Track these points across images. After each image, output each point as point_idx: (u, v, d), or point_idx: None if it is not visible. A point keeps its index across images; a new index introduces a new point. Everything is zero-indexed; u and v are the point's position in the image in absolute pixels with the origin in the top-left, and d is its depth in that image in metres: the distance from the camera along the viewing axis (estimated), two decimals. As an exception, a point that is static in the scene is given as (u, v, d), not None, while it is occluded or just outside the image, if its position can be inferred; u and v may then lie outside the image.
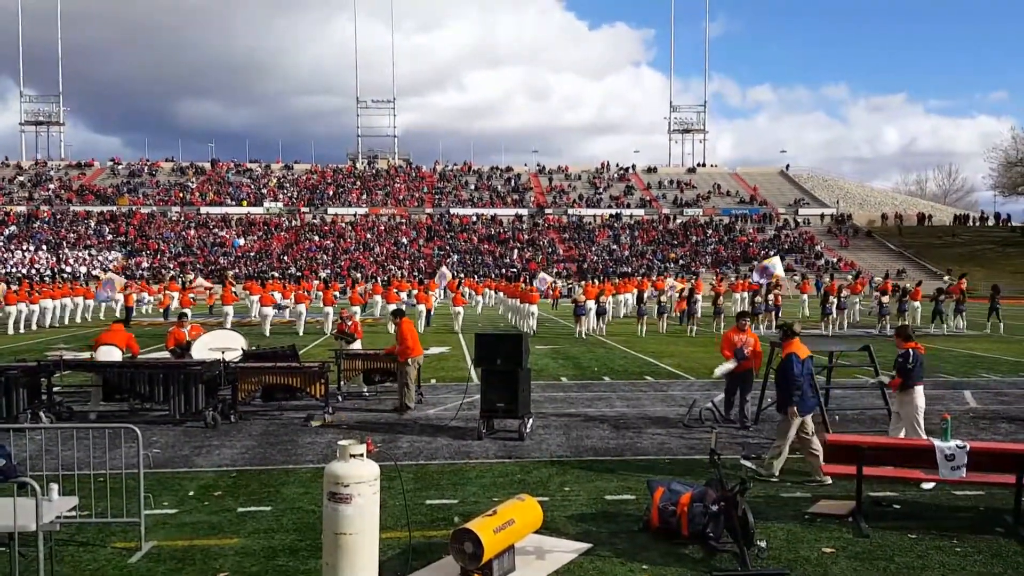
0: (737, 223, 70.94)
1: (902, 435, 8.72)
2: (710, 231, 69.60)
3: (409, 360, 12.08)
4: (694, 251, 65.17)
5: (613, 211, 72.64)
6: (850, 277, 45.10)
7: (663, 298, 28.79)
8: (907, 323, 25.13)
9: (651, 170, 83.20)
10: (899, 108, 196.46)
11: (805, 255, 63.99)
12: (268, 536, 6.68)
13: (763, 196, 76.92)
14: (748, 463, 6.61)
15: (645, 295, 28.84)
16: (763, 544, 6.33)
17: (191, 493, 7.88)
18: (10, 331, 25.91)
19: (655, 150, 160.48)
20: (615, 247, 66.16)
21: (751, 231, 69.51)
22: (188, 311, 24.89)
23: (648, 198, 76.35)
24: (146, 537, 6.42)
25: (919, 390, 8.75)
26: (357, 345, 14.47)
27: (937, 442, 7.16)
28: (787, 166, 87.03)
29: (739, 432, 10.68)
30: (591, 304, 26.47)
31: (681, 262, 62.69)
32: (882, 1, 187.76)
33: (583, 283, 36.83)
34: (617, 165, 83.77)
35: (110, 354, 12.36)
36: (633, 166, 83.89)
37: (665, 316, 27.89)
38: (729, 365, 10.97)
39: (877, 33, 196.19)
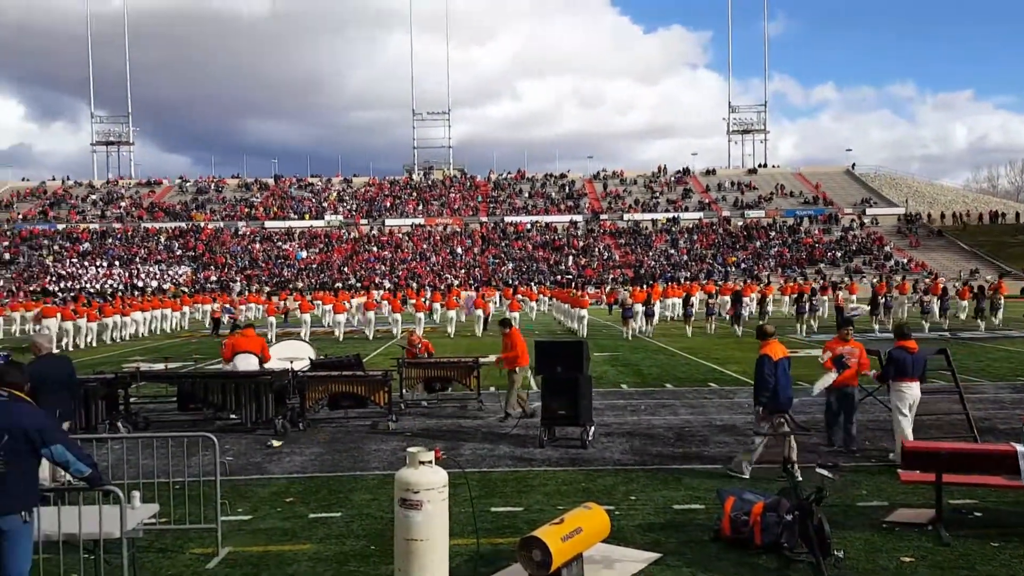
0: (802, 224, 69.41)
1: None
2: (773, 233, 68.26)
3: (517, 368, 12.11)
4: (756, 254, 63.99)
5: (671, 215, 71.87)
6: (927, 279, 43.67)
7: (711, 301, 29.39)
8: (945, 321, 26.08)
9: (710, 172, 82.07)
10: (967, 105, 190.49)
11: (874, 256, 62.26)
12: (339, 542, 6.78)
13: (828, 196, 75.13)
14: (824, 471, 6.45)
15: (694, 299, 29.58)
16: (840, 554, 6.17)
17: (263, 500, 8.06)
18: (82, 344, 26.83)
19: (713, 153, 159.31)
20: (673, 252, 65.42)
21: (816, 232, 67.94)
22: (274, 319, 28.78)
23: (707, 201, 75.32)
24: (222, 543, 6.58)
25: (901, 385, 9.19)
26: None
27: (1020, 447, 6.88)
28: (853, 165, 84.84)
29: (811, 440, 10.42)
30: (638, 307, 27.54)
31: (743, 265, 61.63)
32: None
33: (631, 287, 38.25)
34: (675, 168, 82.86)
35: (248, 361, 12.21)
36: (688, 169, 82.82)
37: (714, 318, 28.29)
38: (828, 379, 9.92)
39: (943, 30, 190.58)
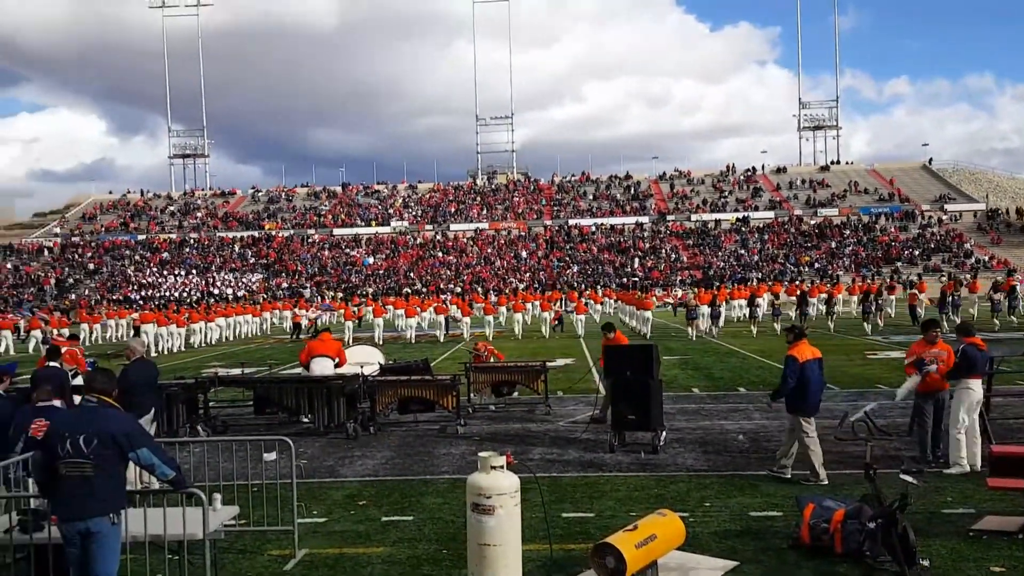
0: (877, 222, 67.23)
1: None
2: (847, 231, 66.29)
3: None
4: (831, 253, 62.26)
5: (740, 214, 70.51)
6: (1001, 275, 41.80)
7: (777, 302, 30.06)
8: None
9: (780, 170, 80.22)
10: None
11: (954, 254, 59.91)
12: (412, 545, 6.84)
13: (904, 193, 72.61)
14: (908, 477, 6.21)
15: (760, 300, 29.89)
16: (926, 563, 5.93)
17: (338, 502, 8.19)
18: (173, 348, 28.47)
19: (783, 150, 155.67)
20: (743, 252, 64.17)
21: (893, 230, 65.71)
22: (350, 323, 30.28)
23: (778, 199, 73.66)
24: (299, 545, 6.71)
25: (971, 383, 8.85)
26: None
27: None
28: (930, 160, 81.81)
29: (891, 445, 10.06)
30: (704, 308, 27.88)
31: (816, 265, 60.04)
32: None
33: (696, 289, 38.36)
34: (744, 167, 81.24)
35: (323, 365, 12.43)
36: (756, 168, 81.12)
37: (780, 319, 28.17)
38: (911, 384, 9.34)
39: (1021, 18, 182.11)
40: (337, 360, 12.55)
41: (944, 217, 67.59)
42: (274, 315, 39.95)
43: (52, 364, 9.34)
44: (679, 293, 43.34)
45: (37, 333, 30.83)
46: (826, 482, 8.36)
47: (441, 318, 30.21)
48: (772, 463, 8.98)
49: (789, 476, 8.57)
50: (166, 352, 27.55)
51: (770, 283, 44.55)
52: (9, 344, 30.87)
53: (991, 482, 7.31)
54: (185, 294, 59.49)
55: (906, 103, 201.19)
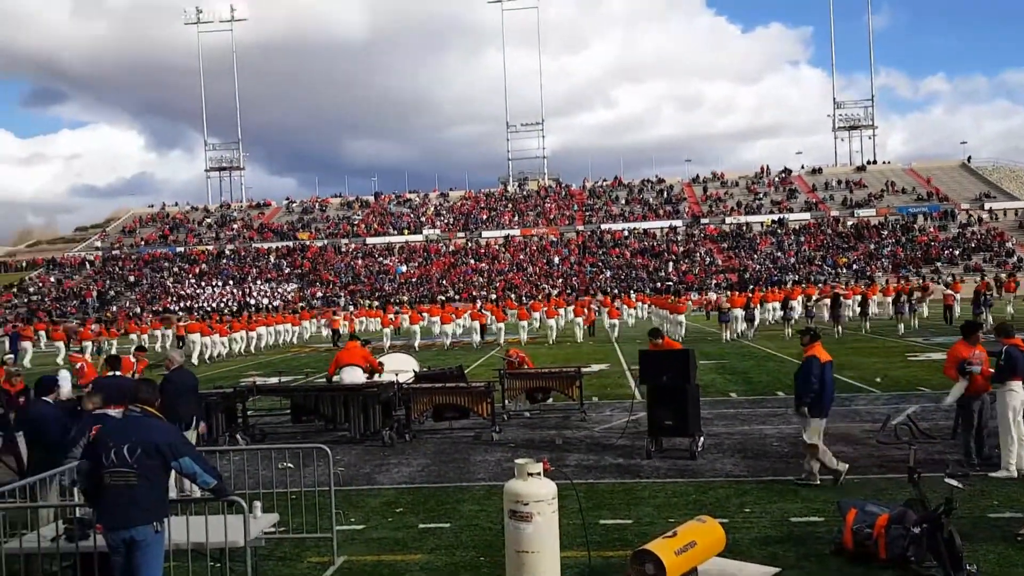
0: (916, 222, 66.03)
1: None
2: (885, 232, 65.19)
3: None
4: (868, 254, 61.28)
5: (775, 216, 69.69)
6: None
7: (809, 304, 29.99)
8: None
9: (815, 171, 79.18)
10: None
11: (995, 253, 58.61)
12: (450, 552, 6.85)
13: (943, 192, 71.23)
14: (953, 481, 6.07)
15: (794, 302, 30.13)
16: (973, 568, 5.79)
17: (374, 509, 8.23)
18: (216, 356, 29.45)
19: (818, 151, 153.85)
20: (779, 254, 63.41)
21: (932, 230, 64.49)
22: (388, 330, 31.18)
23: (814, 200, 72.71)
24: (338, 552, 6.75)
25: (1015, 385, 8.65)
26: None
27: None
28: (968, 158, 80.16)
29: (935, 448, 9.86)
30: (737, 311, 28.11)
31: (855, 267, 59.11)
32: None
33: (729, 292, 39.18)
34: (778, 168, 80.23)
35: (353, 374, 12.59)
36: (791, 169, 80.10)
37: (812, 320, 27.93)
38: (960, 387, 9.10)
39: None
40: (369, 367, 12.66)
41: (984, 216, 66.16)
42: (312, 324, 40.84)
43: (115, 373, 9.53)
44: (713, 297, 42.94)
45: (59, 344, 32.70)
46: (817, 482, 8.39)
47: (476, 324, 30.65)
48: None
49: (818, 482, 8.44)
50: (209, 360, 28.45)
51: (804, 285, 44.34)
52: (63, 356, 31.98)
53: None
54: (222, 305, 60.38)
55: (943, 101, 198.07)
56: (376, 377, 12.68)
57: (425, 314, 35.38)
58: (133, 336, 35.60)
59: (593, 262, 65.44)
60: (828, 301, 29.80)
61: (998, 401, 8.82)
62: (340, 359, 12.87)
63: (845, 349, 22.42)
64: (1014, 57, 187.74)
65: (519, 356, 14.97)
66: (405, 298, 55.18)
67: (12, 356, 29.59)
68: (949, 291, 30.17)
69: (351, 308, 50.52)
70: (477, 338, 29.91)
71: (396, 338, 32.28)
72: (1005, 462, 8.59)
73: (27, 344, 32.71)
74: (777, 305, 31.99)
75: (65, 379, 8.84)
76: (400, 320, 34.48)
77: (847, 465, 8.58)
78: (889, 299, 32.32)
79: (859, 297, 31.63)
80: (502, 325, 30.99)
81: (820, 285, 44.19)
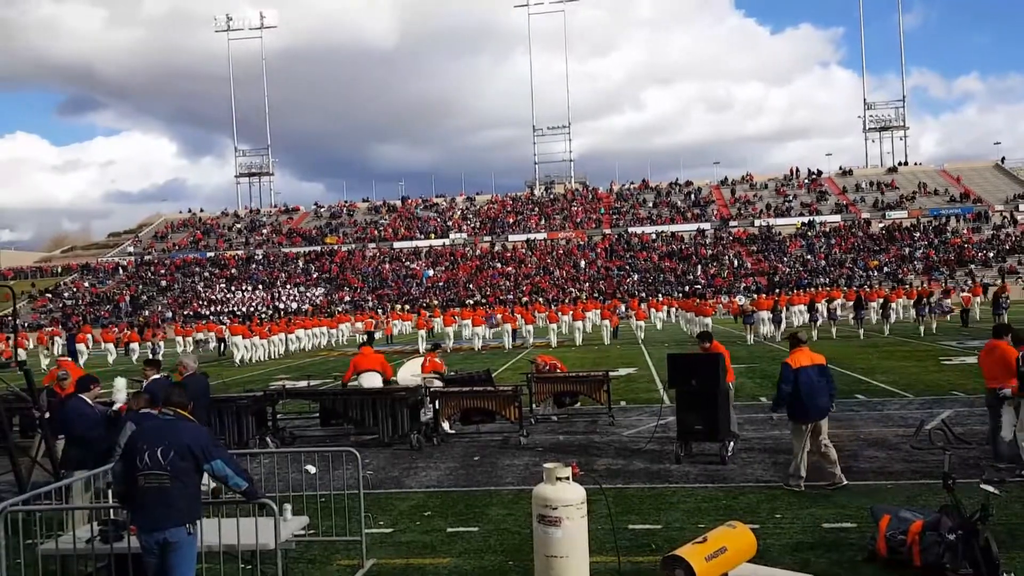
0: (948, 224, 64.99)
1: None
2: (917, 234, 64.24)
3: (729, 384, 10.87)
4: (900, 257, 60.41)
5: (805, 219, 68.92)
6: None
7: (831, 305, 30.82)
8: None
9: (846, 173, 78.26)
10: None
11: (1031, 255, 57.53)
12: (478, 556, 6.85)
13: (976, 193, 70.03)
14: (989, 487, 5.96)
15: (820, 305, 30.89)
16: (1011, 577, 5.67)
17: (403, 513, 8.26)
18: (260, 358, 30.77)
19: (849, 153, 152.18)
20: (809, 257, 62.71)
21: (965, 231, 63.42)
22: (424, 332, 32.31)
23: (844, 203, 71.84)
24: (367, 555, 6.78)
25: None
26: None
27: None
28: (1002, 159, 78.67)
29: (970, 454, 9.67)
30: (762, 314, 29.06)
31: (886, 269, 58.30)
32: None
33: (754, 296, 40.17)
34: (808, 170, 79.40)
35: (372, 379, 12.75)
36: (821, 171, 79.19)
37: (835, 322, 29.12)
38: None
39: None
40: (383, 373, 12.88)
41: (1019, 217, 64.92)
42: (347, 327, 42.12)
43: (163, 376, 9.69)
44: (740, 300, 43.41)
45: (81, 347, 34.00)
46: (800, 489, 8.36)
47: (508, 327, 31.72)
48: (845, 473, 8.71)
49: (844, 482, 8.43)
50: (253, 362, 29.90)
51: (830, 288, 44.79)
52: (112, 353, 34.14)
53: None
54: (252, 309, 61.04)
55: (977, 100, 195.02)
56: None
57: (456, 317, 36.11)
58: (179, 339, 38.15)
59: (620, 265, 65.20)
60: (852, 304, 30.58)
61: (1023, 407, 8.62)
62: (358, 364, 12.99)
63: (879, 353, 22.11)
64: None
65: (548, 361, 14.87)
66: (436, 302, 55.85)
67: (69, 358, 30.92)
68: (967, 293, 31.23)
69: (383, 312, 51.16)
70: (508, 341, 31.04)
71: (431, 339, 32.72)
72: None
73: (82, 347, 34.19)
74: (803, 308, 32.27)
75: (120, 389, 8.98)
76: (432, 323, 35.52)
77: (801, 486, 8.43)
78: (911, 302, 32.65)
79: (881, 300, 32.06)
80: (531, 328, 32.29)
81: (846, 289, 44.52)
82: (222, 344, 36.08)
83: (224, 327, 38.58)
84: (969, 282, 41.67)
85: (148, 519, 4.88)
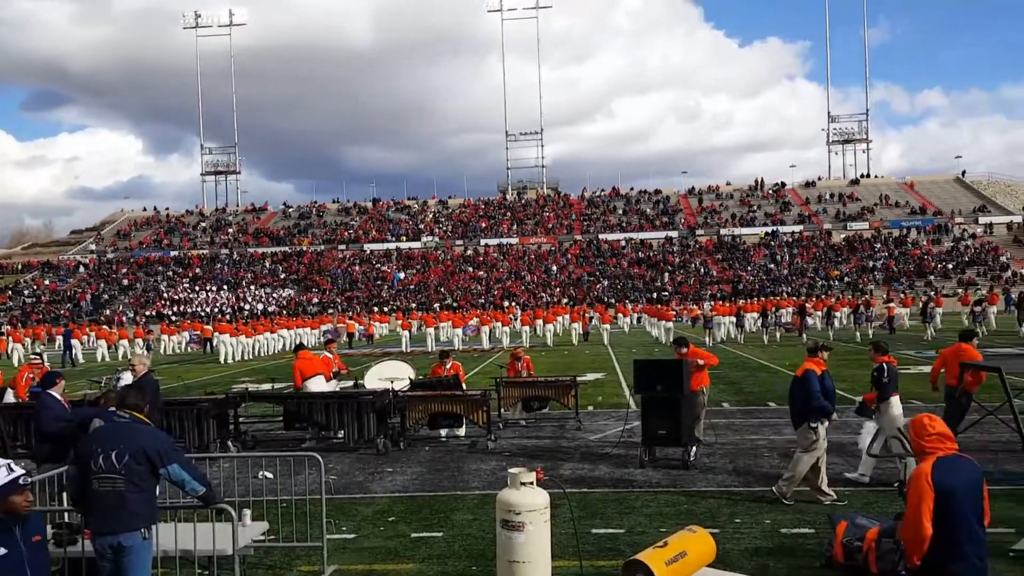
0: (909, 235, 66.27)
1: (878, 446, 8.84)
2: (878, 245, 65.42)
3: (703, 389, 10.99)
4: (860, 267, 61.45)
5: (769, 229, 69.85)
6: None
7: (780, 312, 34.15)
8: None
9: (809, 184, 79.46)
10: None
11: (989, 267, 58.81)
12: (442, 562, 6.82)
13: (937, 206, 71.51)
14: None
15: (770, 313, 33.53)
16: (965, 585, 5.77)
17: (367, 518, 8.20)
18: (244, 356, 31.75)
19: (814, 165, 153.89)
20: (772, 266, 63.56)
21: (925, 243, 64.73)
22: (407, 332, 34.04)
23: (807, 213, 72.92)
24: (328, 561, 6.71)
25: (895, 400, 9.21)
26: None
27: None
28: (963, 172, 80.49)
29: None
30: (719, 319, 32.35)
31: (846, 279, 59.27)
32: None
33: (713, 303, 42.77)
34: (773, 182, 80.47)
35: (319, 383, 12.76)
36: (785, 182, 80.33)
37: (780, 328, 32.45)
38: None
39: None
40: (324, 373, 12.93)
41: (978, 230, 66.42)
42: (331, 328, 42.73)
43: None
44: (695, 308, 46.00)
45: (103, 343, 35.20)
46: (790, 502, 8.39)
47: (485, 329, 33.86)
48: (804, 479, 8.82)
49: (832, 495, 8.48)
50: (237, 360, 30.89)
51: (776, 298, 48.10)
52: (104, 354, 34.47)
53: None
54: (216, 309, 60.28)
55: (940, 115, 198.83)
56: (342, 378, 13.12)
57: (436, 318, 37.57)
58: (164, 337, 38.94)
59: (590, 271, 65.49)
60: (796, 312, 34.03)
61: (885, 416, 9.09)
62: (305, 369, 12.83)
63: (836, 361, 22.45)
64: (1011, 71, 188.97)
65: (524, 357, 14.92)
66: (413, 305, 56.19)
67: (65, 354, 31.44)
68: (892, 304, 35.32)
69: (366, 315, 51.39)
70: (486, 341, 33.19)
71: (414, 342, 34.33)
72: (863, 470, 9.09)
73: (77, 343, 34.66)
74: (756, 315, 35.21)
75: (127, 382, 8.87)
76: (410, 325, 36.63)
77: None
78: (845, 310, 37.05)
79: (826, 309, 35.41)
80: (507, 329, 33.92)
81: (795, 298, 47.54)
82: (208, 343, 36.44)
83: (211, 327, 39.21)
84: (902, 294, 44.92)
85: (102, 523, 4.79)
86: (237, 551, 5.40)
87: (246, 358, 31.61)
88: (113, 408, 6.77)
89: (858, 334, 31.11)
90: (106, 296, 66.12)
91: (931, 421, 4.61)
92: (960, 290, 49.57)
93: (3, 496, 3.77)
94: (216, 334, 34.04)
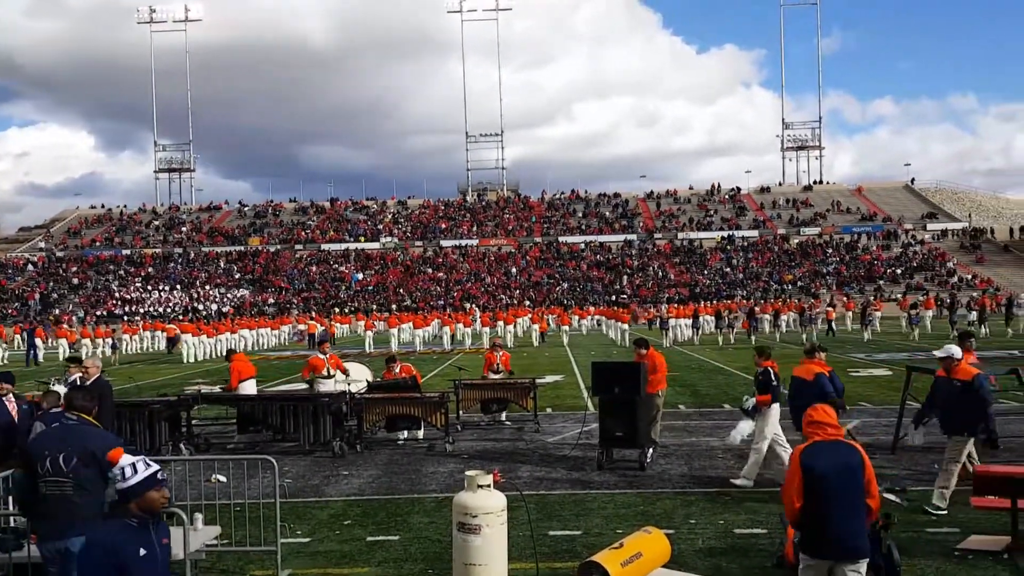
0: (859, 241, 67.81)
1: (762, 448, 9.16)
2: (830, 250, 66.81)
3: (660, 392, 11.12)
4: (813, 272, 62.69)
5: (726, 233, 70.88)
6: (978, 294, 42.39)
7: (730, 316, 35.37)
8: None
9: (764, 190, 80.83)
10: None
11: (936, 272, 60.45)
12: (397, 566, 6.79)
13: (887, 212, 73.29)
14: (891, 496, 6.24)
15: (723, 314, 35.25)
16: (911, 583, 5.94)
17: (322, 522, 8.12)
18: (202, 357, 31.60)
19: (768, 171, 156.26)
20: (728, 270, 64.49)
21: (875, 249, 66.28)
22: (371, 333, 33.54)
23: (762, 218, 74.16)
24: (282, 566, 6.63)
25: (777, 405, 9.36)
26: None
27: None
28: (912, 180, 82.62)
29: (873, 463, 10.07)
30: (673, 321, 33.66)
31: (799, 283, 60.41)
32: (1007, 5, 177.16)
33: (667, 305, 43.92)
34: (729, 187, 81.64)
35: (252, 386, 12.90)
36: (740, 188, 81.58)
37: (728, 330, 33.62)
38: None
39: (1005, 38, 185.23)
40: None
41: (926, 236, 68.22)
42: (289, 329, 42.99)
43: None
44: (651, 311, 47.16)
45: (63, 341, 33.82)
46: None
47: (447, 330, 34.63)
48: (756, 481, 9.00)
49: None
50: (196, 360, 30.81)
51: (730, 301, 49.75)
52: (66, 349, 33.22)
53: (975, 501, 7.36)
54: (169, 309, 59.16)
55: (890, 124, 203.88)
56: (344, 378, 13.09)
57: (399, 319, 37.80)
58: (126, 337, 38.41)
59: (550, 274, 65.72)
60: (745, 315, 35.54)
61: (760, 418, 9.32)
62: (243, 371, 12.78)
63: (787, 364, 22.84)
64: (959, 82, 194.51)
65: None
66: (374, 307, 56.06)
67: (30, 353, 30.80)
68: (831, 308, 37.49)
69: (316, 313, 51.08)
70: (447, 341, 33.84)
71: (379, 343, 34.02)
72: (748, 472, 9.21)
73: (39, 342, 33.89)
74: (711, 318, 36.46)
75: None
76: (374, 325, 36.39)
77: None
78: (793, 314, 39.17)
79: (774, 312, 37.29)
80: (468, 331, 34.73)
81: (746, 301, 49.52)
82: (172, 344, 36.26)
83: (175, 326, 38.96)
84: (845, 298, 46.63)
85: (49, 528, 4.68)
86: (188, 556, 5.30)
87: (208, 358, 31.44)
88: (59, 409, 6.61)
89: (804, 336, 32.41)
90: (55, 295, 64.45)
91: (814, 412, 5.20)
92: (899, 295, 51.02)
93: (141, 492, 3.60)
94: (180, 333, 34.41)
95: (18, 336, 40.34)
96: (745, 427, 9.70)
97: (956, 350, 8.30)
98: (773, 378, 9.37)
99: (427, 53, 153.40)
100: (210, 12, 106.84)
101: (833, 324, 35.54)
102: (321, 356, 13.50)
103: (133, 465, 3.65)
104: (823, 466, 4.88)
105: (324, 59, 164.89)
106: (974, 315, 33.82)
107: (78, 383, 8.77)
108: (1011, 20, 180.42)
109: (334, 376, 13.12)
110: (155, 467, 3.69)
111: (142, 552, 3.51)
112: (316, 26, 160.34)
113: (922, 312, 34.98)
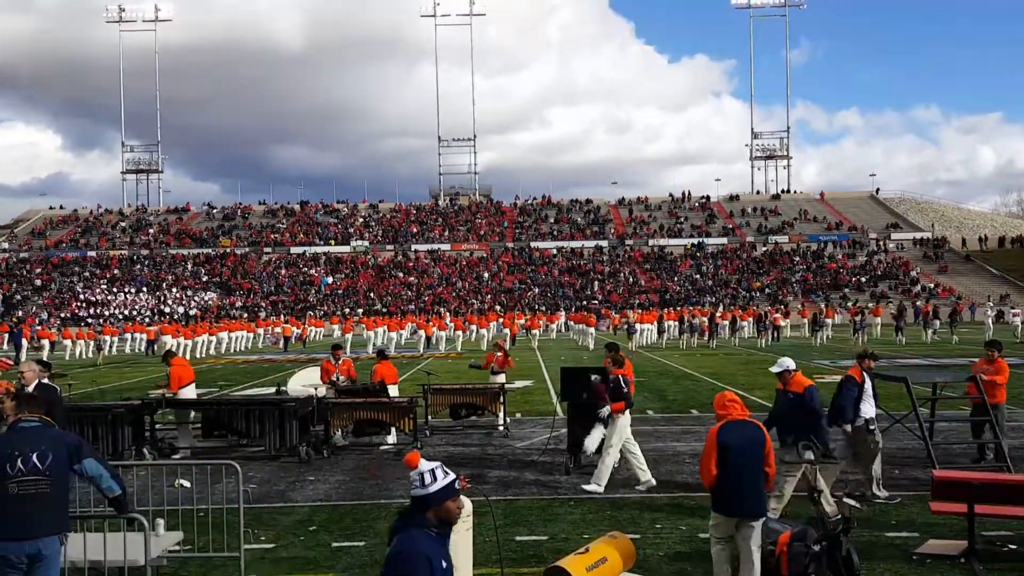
0: (826, 249, 68.83)
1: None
2: (797, 258, 67.73)
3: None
4: (781, 279, 63.48)
5: (695, 240, 71.56)
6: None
7: (695, 321, 36.60)
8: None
9: (733, 198, 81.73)
10: (995, 128, 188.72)
11: (900, 281, 61.51)
12: (363, 571, 6.76)
13: (852, 221, 74.48)
14: (851, 501, 6.35)
15: (687, 319, 36.76)
16: (870, 586, 6.04)
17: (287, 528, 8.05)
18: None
19: (737, 180, 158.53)
20: (698, 277, 65.08)
21: (841, 257, 67.31)
22: (350, 336, 34.29)
23: (731, 226, 74.97)
24: (246, 572, 6.57)
25: (627, 413, 9.53)
26: (501, 378, 14.47)
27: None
28: (877, 190, 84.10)
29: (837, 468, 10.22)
30: (640, 326, 35.15)
31: (767, 291, 61.13)
32: (970, 20, 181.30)
33: (635, 311, 45.47)
34: (699, 195, 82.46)
35: (192, 391, 13.03)
36: (710, 195, 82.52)
37: (696, 335, 35.20)
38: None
39: (968, 52, 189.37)
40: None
41: (891, 245, 69.42)
42: (268, 331, 43.13)
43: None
44: (616, 316, 48.07)
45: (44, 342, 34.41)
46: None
47: (422, 333, 34.75)
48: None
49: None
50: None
51: (690, 308, 49.91)
52: (48, 350, 33.66)
53: (933, 506, 7.49)
54: (135, 312, 58.26)
55: (856, 134, 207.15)
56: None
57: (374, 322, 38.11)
58: (107, 338, 37.23)
59: (522, 279, 65.80)
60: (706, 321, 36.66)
61: (616, 425, 9.38)
62: (183, 377, 12.65)
63: (751, 369, 23.11)
64: (923, 95, 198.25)
65: (507, 356, 15.10)
66: (357, 310, 56.23)
67: (15, 353, 30.14)
68: (778, 315, 39.10)
69: (287, 316, 50.76)
70: (421, 345, 34.09)
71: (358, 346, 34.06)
72: (598, 478, 9.31)
73: (25, 341, 33.71)
74: (675, 323, 38.08)
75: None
76: (352, 328, 36.92)
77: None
78: (750, 320, 40.17)
79: (731, 319, 39.37)
80: (442, 334, 34.93)
81: (708, 308, 49.95)
82: (152, 346, 36.00)
83: (155, 329, 38.87)
84: (799, 306, 48.84)
85: (20, 528, 4.54)
86: (149, 562, 5.24)
87: (188, 360, 31.21)
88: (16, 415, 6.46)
89: (760, 342, 34.25)
90: (18, 297, 63.18)
91: (723, 396, 6.17)
92: (848, 303, 52.35)
93: (441, 500, 3.42)
94: (160, 335, 34.74)
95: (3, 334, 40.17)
96: (596, 434, 9.85)
97: (790, 363, 8.49)
98: (623, 384, 9.48)
99: (400, 57, 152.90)
100: (180, 12, 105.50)
101: (780, 329, 37.56)
102: (332, 361, 13.38)
103: (432, 472, 3.46)
104: (733, 441, 5.80)
105: (295, 61, 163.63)
106: (938, 323, 36.10)
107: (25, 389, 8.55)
108: (973, 34, 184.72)
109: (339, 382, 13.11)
110: (452, 475, 3.50)
111: (444, 564, 3.36)
112: (287, 28, 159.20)
113: (868, 318, 36.75)
